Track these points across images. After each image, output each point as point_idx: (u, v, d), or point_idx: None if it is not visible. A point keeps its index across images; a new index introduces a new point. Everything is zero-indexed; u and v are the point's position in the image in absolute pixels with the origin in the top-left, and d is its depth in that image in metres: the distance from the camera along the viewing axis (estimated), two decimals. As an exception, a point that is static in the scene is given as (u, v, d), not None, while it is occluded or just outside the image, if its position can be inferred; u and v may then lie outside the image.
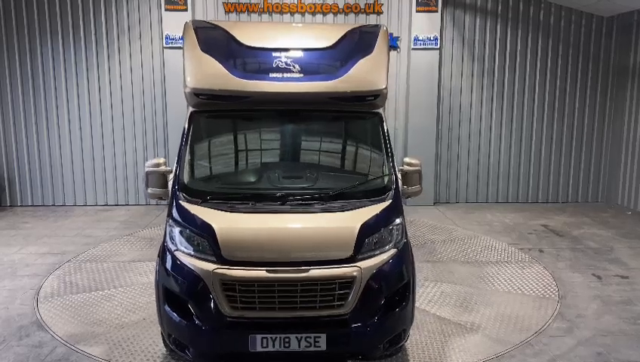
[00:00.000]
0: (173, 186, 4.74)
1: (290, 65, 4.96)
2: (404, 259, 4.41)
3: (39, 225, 9.59)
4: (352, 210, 4.40)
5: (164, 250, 4.48)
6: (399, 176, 4.88)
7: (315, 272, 4.11)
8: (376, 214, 4.39)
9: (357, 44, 5.21)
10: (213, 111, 5.11)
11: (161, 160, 5.02)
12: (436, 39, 10.61)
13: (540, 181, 11.47)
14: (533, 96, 11.19)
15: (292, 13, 10.67)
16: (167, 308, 4.31)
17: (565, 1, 10.58)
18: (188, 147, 4.97)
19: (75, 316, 5.81)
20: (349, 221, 4.30)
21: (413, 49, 10.58)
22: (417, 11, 10.50)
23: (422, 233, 9.00)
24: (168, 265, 4.35)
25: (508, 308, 6.11)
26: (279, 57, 4.99)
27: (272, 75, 4.92)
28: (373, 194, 4.61)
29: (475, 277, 7.04)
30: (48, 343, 5.27)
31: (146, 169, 4.97)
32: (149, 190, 4.94)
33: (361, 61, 5.03)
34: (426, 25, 10.56)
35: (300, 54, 5.04)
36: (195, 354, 4.24)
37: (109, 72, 10.82)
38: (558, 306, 6.17)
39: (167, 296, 4.32)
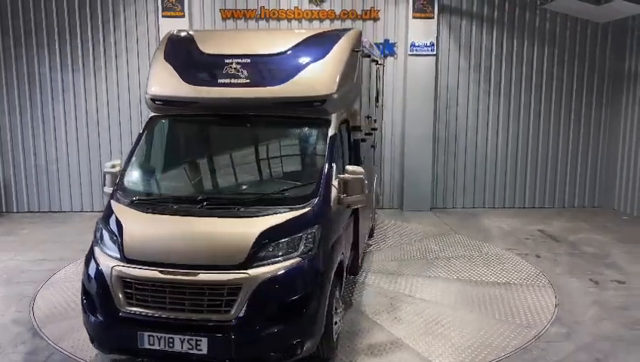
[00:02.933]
0: (114, 186, 5.05)
1: (239, 71, 5.14)
2: (307, 270, 4.37)
3: (36, 231, 9.54)
4: (262, 216, 4.48)
5: (91, 246, 4.77)
6: (335, 184, 4.85)
7: (203, 276, 4.23)
8: (285, 221, 4.45)
9: (311, 50, 5.32)
10: (164, 116, 5.46)
11: (117, 161, 5.29)
12: (433, 45, 10.64)
13: (536, 186, 11.46)
14: (530, 102, 11.20)
15: (289, 20, 10.69)
16: (83, 301, 4.57)
17: (561, 8, 10.60)
18: (136, 150, 5.31)
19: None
20: (249, 227, 4.39)
21: (409, 55, 10.61)
22: (414, 17, 10.52)
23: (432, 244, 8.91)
24: (88, 260, 4.65)
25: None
26: (230, 64, 5.19)
27: (220, 80, 5.14)
28: (295, 201, 4.66)
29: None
30: (44, 350, 5.23)
31: (104, 169, 5.23)
32: (105, 189, 5.17)
33: (311, 66, 5.16)
34: (422, 31, 10.59)
35: (250, 61, 5.21)
36: (98, 347, 4.53)
37: (106, 79, 10.81)
38: (556, 311, 6.16)
39: (83, 291, 4.60)
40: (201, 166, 5.44)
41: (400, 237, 9.01)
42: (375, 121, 8.30)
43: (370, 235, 8.72)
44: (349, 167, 4.97)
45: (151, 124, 5.51)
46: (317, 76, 5.12)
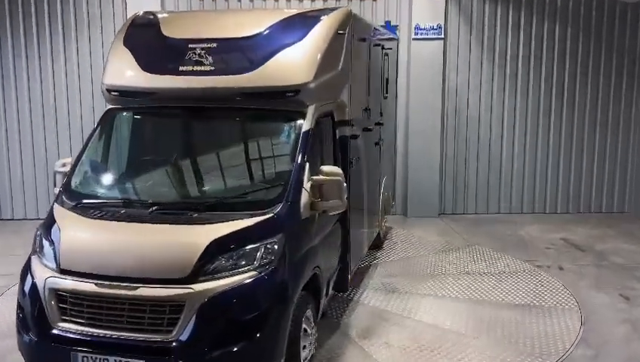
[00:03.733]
0: (61, 187, 5.08)
1: (203, 57, 5.13)
2: (264, 285, 4.35)
3: (-16, 242, 9.39)
4: (216, 223, 4.46)
5: (29, 257, 4.76)
6: (307, 187, 4.82)
7: (143, 291, 4.22)
8: (241, 229, 4.43)
9: (287, 32, 5.30)
10: (121, 109, 5.49)
11: (68, 159, 5.29)
12: (440, 28, 10.59)
13: (558, 189, 11.45)
14: (551, 92, 11.18)
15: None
16: (17, 320, 4.56)
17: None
18: (87, 147, 5.34)
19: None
20: (198, 236, 4.37)
21: (414, 39, 10.54)
22: (419, -4, 10.49)
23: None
24: (24, 273, 4.65)
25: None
26: (194, 49, 5.18)
27: (182, 68, 5.12)
28: (257, 206, 4.67)
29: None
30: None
31: (54, 168, 5.25)
32: (55, 190, 5.17)
33: (284, 51, 5.12)
34: (428, 12, 10.53)
35: (215, 45, 5.20)
36: None
37: (66, 68, 10.69)
38: (581, 331, 6.16)
39: (18, 307, 4.58)
40: (155, 166, 5.43)
41: (403, 247, 9.03)
42: (382, 114, 8.26)
43: (378, 246, 8.74)
44: (325, 168, 4.93)
45: (106, 117, 5.52)
46: (290, 63, 5.10)
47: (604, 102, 11.30)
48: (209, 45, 5.19)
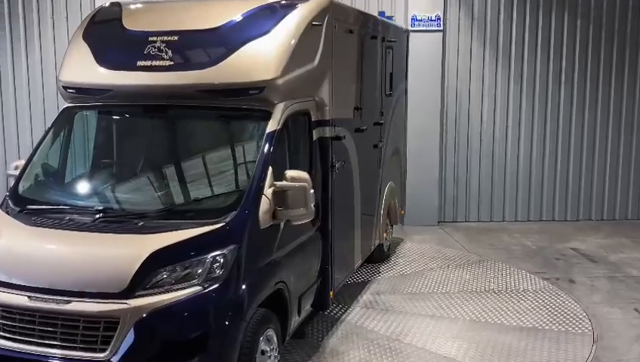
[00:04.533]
0: (8, 192, 5.16)
1: (162, 51, 5.17)
2: (209, 301, 4.35)
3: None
4: (161, 232, 4.49)
5: None
6: (268, 194, 4.83)
7: (76, 306, 4.24)
8: (187, 240, 4.44)
9: (254, 23, 5.31)
10: (77, 108, 5.56)
11: (22, 162, 5.39)
12: (439, 19, 10.65)
13: (568, 194, 11.49)
14: (559, 88, 11.24)
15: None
16: None
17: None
18: (39, 149, 5.41)
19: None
20: (138, 246, 4.40)
21: (410, 31, 10.53)
22: (415, -17, 10.53)
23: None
24: None
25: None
26: (154, 42, 5.23)
27: (139, 63, 5.17)
28: (208, 214, 4.68)
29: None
30: None
31: (7, 172, 5.36)
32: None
33: (249, 45, 5.13)
34: (426, 1, 10.60)
35: (176, 38, 5.23)
36: None
37: (27, 62, 10.64)
38: (594, 349, 6.18)
39: None
40: (107, 169, 5.53)
41: (404, 262, 9.03)
42: (382, 113, 8.22)
43: (380, 260, 8.75)
44: (290, 173, 4.94)
45: (61, 117, 5.59)
46: (255, 57, 5.11)
47: (616, 101, 11.38)
48: (170, 38, 5.23)
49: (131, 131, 5.78)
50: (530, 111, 11.27)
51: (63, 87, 5.53)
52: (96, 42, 5.51)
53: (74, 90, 5.47)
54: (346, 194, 6.82)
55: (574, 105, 11.32)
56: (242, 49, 5.12)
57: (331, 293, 6.32)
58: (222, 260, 4.43)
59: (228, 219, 4.60)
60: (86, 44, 5.50)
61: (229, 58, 5.08)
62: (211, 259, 4.41)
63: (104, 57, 5.35)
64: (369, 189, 7.76)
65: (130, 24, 5.56)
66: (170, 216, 4.75)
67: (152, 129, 5.68)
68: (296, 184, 4.85)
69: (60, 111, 5.68)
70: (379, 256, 8.71)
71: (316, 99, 5.91)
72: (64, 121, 5.61)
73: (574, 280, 8.25)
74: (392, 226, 9.27)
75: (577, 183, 11.50)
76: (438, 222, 11.20)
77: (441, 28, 10.72)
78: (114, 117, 5.75)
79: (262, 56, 5.13)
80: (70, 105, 5.65)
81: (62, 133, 5.58)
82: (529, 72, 11.18)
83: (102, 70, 5.29)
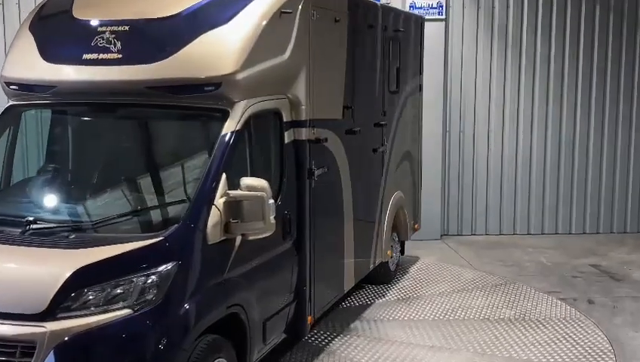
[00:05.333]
0: None
1: (111, 42, 5.21)
2: (143, 325, 4.31)
3: None
4: (90, 247, 4.48)
5: None
6: (219, 205, 4.79)
7: None
8: (118, 256, 4.41)
9: (214, 11, 5.34)
10: (23, 106, 5.63)
11: None
12: (441, 6, 10.64)
13: (586, 204, 11.48)
14: (575, 85, 11.24)
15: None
16: None
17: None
18: None
19: None
20: (62, 263, 4.35)
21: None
22: (414, -34, 10.54)
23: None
24: None
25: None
26: (103, 33, 5.27)
27: (86, 56, 5.22)
28: (149, 227, 4.72)
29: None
30: None
31: None
32: None
33: (206, 35, 5.14)
34: (426, -14, 10.58)
35: (127, 27, 5.27)
36: None
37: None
38: (617, 379, 6.03)
39: None
40: (45, 176, 5.51)
41: (406, 282, 8.97)
42: (385, 113, 8.15)
43: (385, 280, 8.69)
44: (246, 180, 4.88)
45: (5, 116, 5.64)
46: (211, 48, 5.12)
47: (638, 99, 11.41)
48: (120, 28, 5.25)
49: (75, 133, 5.80)
50: (544, 110, 11.25)
51: (5, 82, 5.57)
52: (42, 34, 5.53)
53: (17, 87, 5.50)
54: (331, 205, 6.77)
55: (593, 103, 11.32)
56: (197, 40, 5.12)
57: (310, 318, 6.24)
58: (157, 279, 4.38)
59: (168, 233, 4.56)
60: (32, 36, 5.52)
61: (181, 50, 5.08)
62: (144, 278, 4.36)
63: (49, 50, 5.38)
64: (366, 200, 7.69)
65: (80, 13, 5.55)
66: (108, 228, 4.73)
67: (96, 131, 5.71)
68: (253, 193, 4.79)
69: (2, 110, 5.74)
70: (383, 276, 8.65)
71: (289, 97, 5.90)
72: (7, 122, 5.64)
73: (594, 301, 8.23)
74: (400, 243, 9.19)
75: (597, 192, 11.48)
76: (441, 235, 11.17)
77: (444, 16, 10.69)
78: (57, 117, 5.78)
79: (219, 48, 5.13)
80: (14, 103, 5.67)
81: (4, 135, 5.61)
82: (542, 67, 11.17)
83: (46, 64, 5.31)
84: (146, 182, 5.29)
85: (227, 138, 5.01)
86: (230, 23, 5.21)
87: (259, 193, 4.79)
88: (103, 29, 5.26)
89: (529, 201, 11.41)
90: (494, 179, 11.32)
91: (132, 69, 5.09)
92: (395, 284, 8.79)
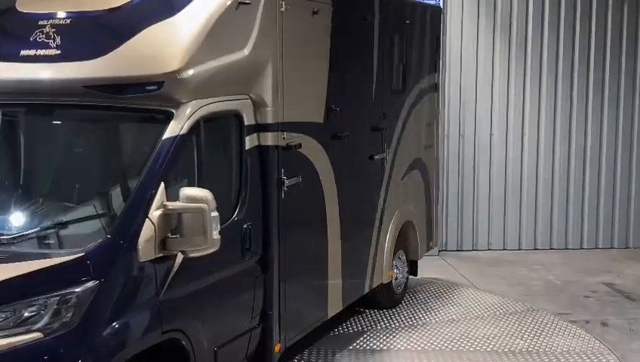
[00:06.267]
0: None
1: (50, 37, 5.21)
2: (52, 352, 4.21)
3: None
4: (2, 263, 4.42)
5: None
6: (153, 218, 4.72)
7: None
8: (28, 274, 4.33)
9: (162, 2, 5.37)
10: None
11: None
12: (438, -3, 10.57)
13: (599, 217, 11.41)
14: (586, 87, 11.17)
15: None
16: None
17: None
18: None
19: None
20: None
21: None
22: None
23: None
24: None
25: None
26: (43, 26, 5.26)
27: (23, 53, 5.24)
28: (70, 242, 4.68)
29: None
30: None
31: None
32: None
33: (151, 28, 5.13)
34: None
35: (69, 21, 5.28)
36: None
37: None
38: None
39: None
40: None
41: (413, 306, 8.75)
42: (384, 116, 7.93)
43: (388, 303, 8.48)
44: (187, 191, 4.79)
45: None
46: (155, 44, 5.10)
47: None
48: (61, 22, 5.26)
49: (4, 137, 5.79)
50: (552, 115, 11.20)
51: None
52: None
53: None
54: (309, 219, 6.66)
55: (606, 107, 11.26)
56: (141, 34, 5.10)
57: (278, 347, 6.12)
58: (74, 300, 4.28)
59: (89, 249, 4.49)
60: None
61: (122, 46, 5.06)
62: (59, 298, 4.25)
63: None
64: (358, 213, 7.51)
65: (23, 6, 5.57)
66: (26, 243, 4.67)
67: (28, 134, 5.71)
68: (193, 205, 4.69)
69: None
70: (387, 300, 8.43)
71: (252, 98, 5.82)
72: None
73: (608, 323, 8.12)
74: (410, 262, 8.93)
75: (610, 203, 11.43)
76: (439, 251, 10.99)
77: (440, 4, 10.50)
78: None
79: (163, 44, 5.09)
80: None
81: None
82: (549, 66, 11.12)
83: None
84: (74, 192, 5.22)
85: (169, 143, 4.94)
86: (178, 15, 5.18)
87: (200, 205, 4.67)
88: (44, 22, 5.26)
89: (536, 213, 11.32)
90: (498, 190, 11.24)
91: (69, 67, 5.09)
92: (400, 309, 8.55)
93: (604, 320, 8.15)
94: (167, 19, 5.14)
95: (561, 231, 11.32)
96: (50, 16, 5.29)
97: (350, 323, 7.96)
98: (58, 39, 5.16)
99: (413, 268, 8.96)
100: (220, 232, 5.06)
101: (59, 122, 5.58)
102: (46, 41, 5.18)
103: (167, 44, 5.07)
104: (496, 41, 10.94)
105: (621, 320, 8.14)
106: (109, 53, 5.02)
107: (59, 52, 5.13)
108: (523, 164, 11.18)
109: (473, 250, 11.21)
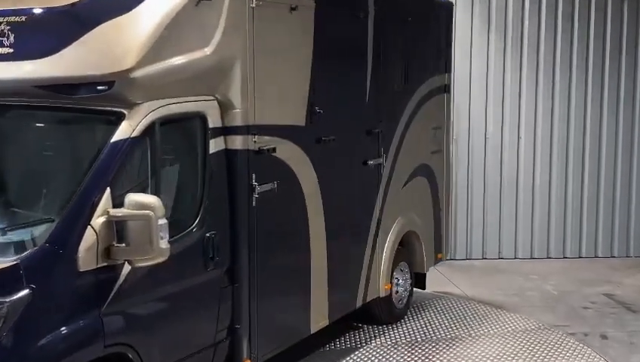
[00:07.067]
0: None
1: (4, 35, 5.23)
2: None
3: None
4: None
5: None
6: (95, 225, 4.69)
7: None
8: None
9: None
10: None
11: None
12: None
13: (598, 224, 11.43)
14: (585, 87, 11.18)
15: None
16: None
17: None
18: None
19: None
20: None
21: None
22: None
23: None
24: None
25: None
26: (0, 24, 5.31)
27: None
28: (7, 250, 4.61)
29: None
30: None
31: None
32: None
33: (104, 25, 5.11)
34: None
35: (24, 18, 5.27)
36: None
37: None
38: None
39: None
40: None
41: (416, 322, 8.64)
42: (381, 119, 7.79)
43: (389, 318, 8.34)
44: (133, 197, 4.75)
45: None
46: (106, 41, 5.08)
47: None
48: (17, 19, 5.24)
49: None
50: (549, 116, 11.22)
51: None
52: None
53: None
54: (287, 227, 6.57)
55: (605, 109, 11.28)
56: (93, 32, 5.08)
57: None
58: (4, 310, 4.23)
59: (22, 258, 4.43)
60: None
61: (73, 44, 5.06)
62: None
63: None
64: (348, 222, 7.39)
65: None
66: None
67: None
68: (138, 212, 4.64)
69: None
70: (386, 315, 8.27)
71: (218, 99, 5.77)
72: None
73: (607, 336, 8.11)
74: (416, 275, 8.80)
75: (610, 210, 11.45)
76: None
77: (451, 2, 10.32)
78: None
79: (115, 41, 5.07)
80: None
81: None
82: (546, 65, 11.14)
83: None
84: (19, 197, 5.26)
85: (117, 146, 4.92)
86: (133, 11, 5.15)
87: (146, 212, 4.62)
88: (1, 19, 5.30)
89: (532, 220, 11.32)
90: (492, 195, 11.22)
91: (20, 66, 5.12)
92: (400, 325, 8.41)
93: (603, 332, 8.15)
94: (121, 17, 5.13)
95: (559, 239, 11.32)
96: (7, 13, 5.30)
97: (344, 339, 7.88)
98: (12, 37, 5.19)
99: (420, 282, 8.81)
100: (177, 241, 5.07)
101: (9, 123, 5.59)
102: (0, 39, 5.22)
103: (119, 43, 5.07)
104: (491, 37, 10.95)
105: (621, 332, 8.14)
106: (60, 52, 5.05)
107: (11, 50, 5.17)
108: (519, 168, 11.19)
109: (467, 258, 11.19)
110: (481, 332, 8.33)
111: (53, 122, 5.45)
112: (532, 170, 11.19)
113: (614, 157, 11.30)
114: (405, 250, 8.39)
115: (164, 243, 4.74)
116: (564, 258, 11.29)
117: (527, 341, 8.01)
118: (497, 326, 8.48)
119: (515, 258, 11.25)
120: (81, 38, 5.06)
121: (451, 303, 9.26)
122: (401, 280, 8.42)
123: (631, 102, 11.23)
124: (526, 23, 10.98)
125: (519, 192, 11.20)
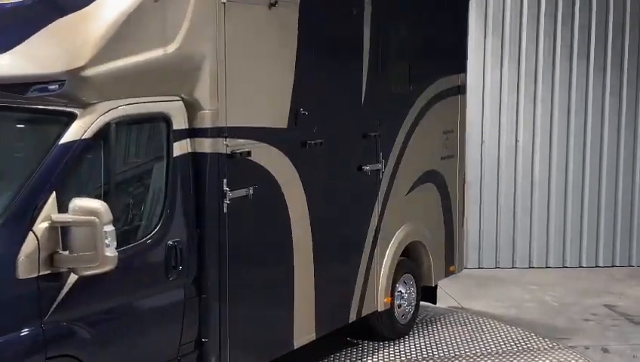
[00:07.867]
0: None
1: None
2: None
3: None
4: None
5: None
6: (38, 231, 4.66)
7: None
8: None
9: None
10: None
11: None
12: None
13: (600, 232, 11.45)
14: (585, 90, 11.25)
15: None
16: None
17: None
18: None
19: None
20: None
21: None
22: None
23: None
24: None
25: None
26: None
27: None
28: None
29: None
30: None
31: None
32: None
33: (58, 22, 5.11)
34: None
35: None
36: None
37: None
38: None
39: None
40: None
41: (419, 338, 8.49)
42: (380, 121, 7.66)
43: (390, 334, 8.19)
44: (78, 202, 4.69)
45: None
46: (58, 38, 5.08)
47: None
48: None
49: None
50: (548, 121, 11.27)
51: None
52: None
53: None
54: (265, 235, 6.48)
55: (606, 116, 11.31)
56: (46, 29, 5.10)
57: None
58: None
59: None
60: None
61: (25, 42, 5.10)
62: None
63: None
64: (339, 231, 7.27)
65: None
66: None
67: None
68: (83, 218, 4.60)
69: None
70: (388, 330, 8.11)
71: (184, 99, 5.72)
72: None
73: (609, 349, 8.10)
74: (424, 289, 8.64)
75: (612, 219, 11.47)
76: None
77: None
78: None
79: (67, 39, 5.06)
80: None
81: None
82: (545, 67, 11.19)
83: None
84: None
85: (66, 148, 4.90)
86: (87, 7, 5.14)
87: (90, 218, 4.58)
88: None
89: (531, 228, 11.35)
90: (489, 203, 11.24)
91: None
92: (403, 341, 8.25)
93: (605, 345, 8.15)
94: (74, 14, 5.12)
95: (558, 247, 11.35)
96: None
97: (339, 355, 7.76)
98: None
99: (429, 295, 8.66)
100: (132, 249, 5.06)
101: None
102: None
103: (71, 40, 5.05)
104: (487, 40, 11.01)
105: (624, 345, 8.14)
106: (11, 50, 5.09)
107: None
108: (517, 175, 11.22)
109: (463, 268, 10.93)
110: (489, 351, 8.12)
111: (4, 122, 5.42)
112: (530, 177, 11.23)
113: (615, 164, 11.34)
114: (410, 261, 8.25)
115: (110, 251, 4.67)
116: (563, 267, 11.31)
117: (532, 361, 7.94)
118: (501, 345, 8.28)
119: (513, 267, 11.26)
120: (34, 36, 5.10)
121: (461, 318, 9.09)
122: (404, 294, 8.22)
123: (633, 110, 11.29)
124: (524, 21, 11.02)
125: (517, 199, 11.24)
